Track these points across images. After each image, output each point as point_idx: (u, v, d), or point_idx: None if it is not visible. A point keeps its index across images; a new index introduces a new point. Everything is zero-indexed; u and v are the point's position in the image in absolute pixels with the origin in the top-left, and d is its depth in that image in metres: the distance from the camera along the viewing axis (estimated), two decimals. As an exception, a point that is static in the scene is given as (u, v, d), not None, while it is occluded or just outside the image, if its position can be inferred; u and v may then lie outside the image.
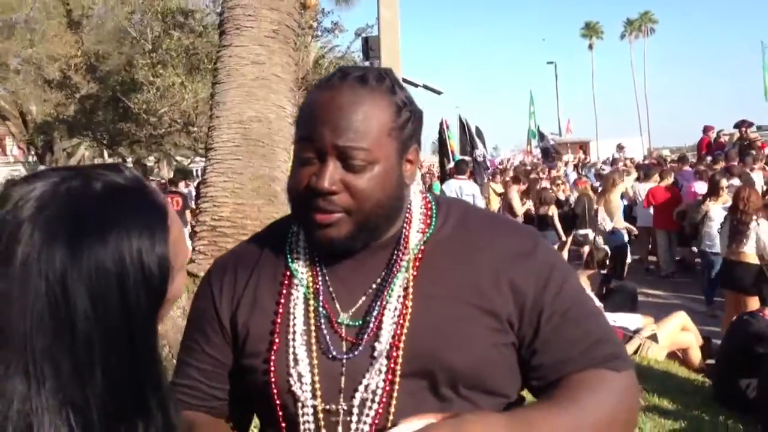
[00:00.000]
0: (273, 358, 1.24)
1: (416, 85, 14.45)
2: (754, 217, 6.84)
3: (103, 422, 0.84)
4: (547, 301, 1.23)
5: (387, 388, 1.19)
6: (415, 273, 1.24)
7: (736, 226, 7.02)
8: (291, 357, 1.22)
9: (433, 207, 1.33)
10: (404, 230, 1.28)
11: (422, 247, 1.27)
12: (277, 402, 1.23)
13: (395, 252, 1.26)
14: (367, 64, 16.27)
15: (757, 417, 4.78)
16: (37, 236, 0.84)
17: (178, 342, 4.62)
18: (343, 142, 1.17)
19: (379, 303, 1.23)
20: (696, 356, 6.28)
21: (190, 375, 1.35)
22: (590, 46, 59.93)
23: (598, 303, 1.12)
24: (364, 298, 1.25)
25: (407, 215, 1.29)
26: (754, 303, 6.40)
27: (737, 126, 15.49)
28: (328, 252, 1.25)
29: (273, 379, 1.23)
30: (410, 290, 1.22)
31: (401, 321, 1.20)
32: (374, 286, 1.26)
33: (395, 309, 1.22)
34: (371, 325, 1.22)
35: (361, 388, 1.19)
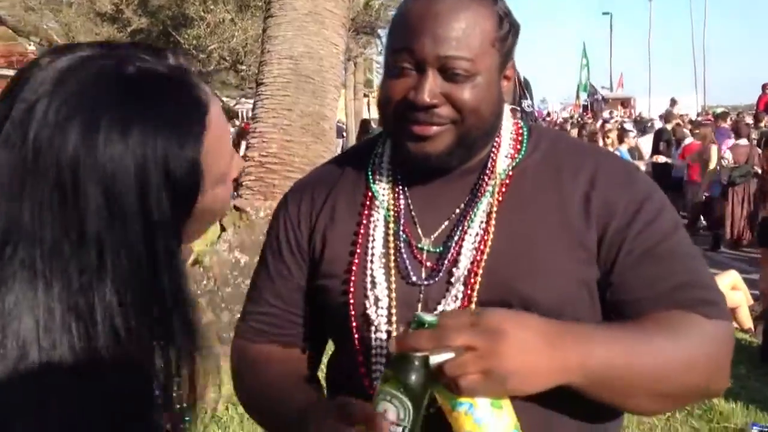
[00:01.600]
0: (352, 278, 1.20)
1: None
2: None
3: (111, 337, 0.75)
4: (630, 235, 1.14)
5: None
6: (500, 199, 1.18)
7: (765, 185, 6.87)
8: (369, 280, 1.19)
9: (524, 132, 1.26)
10: (492, 154, 1.22)
11: (510, 173, 1.21)
12: (353, 324, 1.19)
13: (481, 177, 1.21)
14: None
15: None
16: (51, 114, 0.74)
17: (225, 276, 4.68)
18: (445, 51, 1.10)
19: (460, 228, 1.18)
20: (745, 315, 6.14)
21: (266, 300, 1.32)
22: (649, -3, 57.87)
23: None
24: (446, 223, 1.20)
25: (497, 138, 1.23)
26: None
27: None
28: (421, 168, 1.20)
29: (351, 301, 1.19)
30: (493, 216, 1.17)
31: (482, 247, 1.15)
32: (457, 211, 1.21)
33: (476, 235, 1.17)
34: (451, 250, 1.17)
35: (437, 313, 1.14)
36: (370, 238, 1.21)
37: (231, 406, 4.33)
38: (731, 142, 10.56)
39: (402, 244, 1.20)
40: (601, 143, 12.66)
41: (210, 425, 4.18)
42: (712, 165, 10.05)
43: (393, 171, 1.25)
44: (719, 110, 21.47)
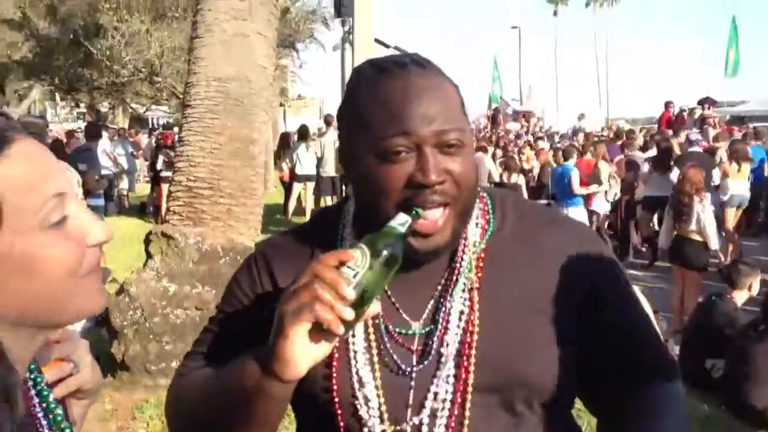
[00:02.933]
0: (334, 375, 1.16)
1: (387, 47, 14.23)
2: (696, 198, 7.04)
3: None
4: (601, 302, 1.22)
5: (458, 399, 1.13)
6: (480, 274, 1.18)
7: (679, 206, 7.24)
8: (355, 379, 1.15)
9: (488, 200, 1.27)
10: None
11: (484, 246, 1.21)
12: (341, 423, 1.16)
13: (454, 252, 1.20)
14: (338, 20, 15.97)
15: (721, 397, 4.91)
16: None
17: (153, 306, 4.53)
18: (440, 126, 1.10)
19: (443, 307, 1.17)
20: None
21: (221, 347, 1.24)
22: (555, 13, 59.86)
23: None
24: (432, 302, 1.19)
25: None
26: (697, 277, 7.01)
27: (701, 103, 15.73)
28: (421, 260, 1.17)
29: (336, 399, 1.16)
30: (475, 293, 1.17)
31: (470, 327, 1.15)
32: (438, 289, 1.19)
33: (461, 313, 1.16)
34: (438, 330, 1.16)
35: (430, 396, 1.14)
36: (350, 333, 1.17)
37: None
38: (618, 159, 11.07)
39: (384, 334, 1.17)
40: (517, 158, 12.96)
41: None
42: (603, 182, 10.42)
43: None
44: (621, 123, 22.40)
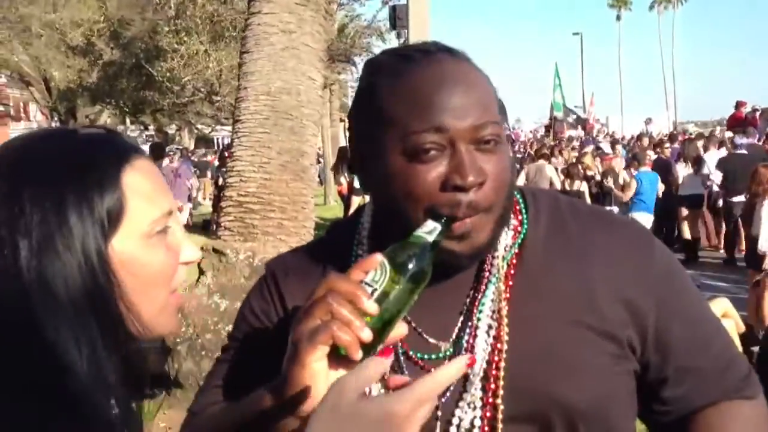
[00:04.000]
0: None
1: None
2: (761, 199, 6.66)
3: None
4: (673, 320, 1.06)
5: (486, 427, 0.99)
6: (511, 283, 1.04)
7: (749, 208, 6.88)
8: None
9: (520, 199, 1.11)
10: None
11: (516, 251, 1.06)
12: None
13: (483, 260, 1.05)
14: (393, 33, 15.98)
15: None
16: None
17: (205, 322, 4.49)
18: (477, 120, 0.96)
19: (469, 323, 1.03)
20: (736, 343, 6.09)
21: (234, 377, 1.15)
22: (618, 17, 58.80)
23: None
24: (462, 318, 1.05)
25: None
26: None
27: (774, 102, 15.01)
28: (460, 266, 1.03)
29: None
30: (504, 306, 1.02)
31: (498, 345, 1.01)
32: (467, 302, 1.05)
33: (489, 329, 1.02)
34: (463, 349, 1.02)
35: (455, 422, 1.00)
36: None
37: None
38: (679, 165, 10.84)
39: (402, 361, 1.04)
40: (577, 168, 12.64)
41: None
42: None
43: None
44: (690, 127, 21.75)
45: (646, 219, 9.45)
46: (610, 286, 1.03)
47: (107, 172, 0.84)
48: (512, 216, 1.07)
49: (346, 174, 14.29)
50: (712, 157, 11.10)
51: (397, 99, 0.98)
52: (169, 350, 4.72)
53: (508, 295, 1.02)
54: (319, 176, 18.60)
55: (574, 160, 13.54)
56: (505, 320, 1.01)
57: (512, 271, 1.04)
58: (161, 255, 0.87)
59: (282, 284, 1.14)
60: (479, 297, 1.03)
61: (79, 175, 0.82)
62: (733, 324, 6.19)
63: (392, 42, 18.65)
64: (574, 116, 29.03)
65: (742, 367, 1.11)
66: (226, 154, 15.91)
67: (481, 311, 1.02)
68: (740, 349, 4.18)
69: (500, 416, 0.99)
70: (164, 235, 0.88)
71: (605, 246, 1.06)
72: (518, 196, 1.11)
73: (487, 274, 1.04)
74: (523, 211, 1.09)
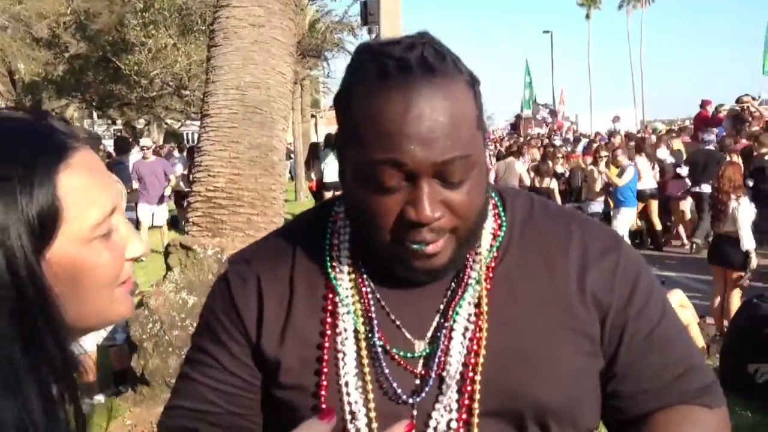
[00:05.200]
0: (323, 407, 1.01)
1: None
2: (733, 196, 6.73)
3: None
4: (630, 318, 1.04)
5: (461, 430, 0.99)
6: (488, 286, 1.03)
7: (716, 204, 6.95)
8: (347, 410, 1.01)
9: (498, 201, 1.10)
10: None
11: (495, 254, 1.05)
12: None
13: (466, 260, 1.04)
14: (365, 29, 15.93)
15: (765, 403, 4.67)
16: None
17: (173, 319, 4.44)
18: (441, 156, 0.91)
19: (445, 325, 1.02)
20: (696, 334, 6.15)
21: (203, 396, 1.09)
22: (587, 16, 59.33)
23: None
24: (437, 317, 1.04)
25: None
26: (738, 276, 6.55)
27: (738, 101, 15.25)
28: (423, 281, 1.02)
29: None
30: (483, 308, 1.01)
31: (474, 347, 1.00)
32: (444, 303, 1.04)
33: (466, 331, 1.01)
34: (438, 352, 1.01)
35: (431, 426, 0.99)
36: (339, 352, 1.03)
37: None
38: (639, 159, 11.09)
39: (381, 356, 1.02)
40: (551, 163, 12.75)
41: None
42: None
43: (356, 265, 1.07)
44: (658, 124, 22.03)
45: (632, 213, 9.67)
46: (582, 285, 1.03)
47: (39, 173, 0.76)
48: (493, 219, 1.07)
49: (316, 170, 14.25)
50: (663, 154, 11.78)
51: (364, 119, 0.94)
52: (135, 347, 4.65)
53: (486, 299, 1.02)
54: (290, 172, 18.51)
55: (539, 158, 13.65)
56: (485, 324, 1.00)
57: (491, 274, 1.04)
58: (104, 257, 0.82)
59: (233, 284, 1.11)
60: (456, 299, 1.03)
61: (4, 174, 0.75)
62: (690, 313, 6.30)
63: (364, 38, 18.61)
64: (546, 110, 29.22)
65: (705, 375, 1.09)
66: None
67: (457, 313, 1.02)
68: (700, 337, 4.26)
69: (476, 418, 0.98)
70: (107, 237, 0.83)
71: (578, 247, 1.06)
72: (496, 198, 1.11)
73: (466, 277, 1.04)
74: (502, 214, 1.09)
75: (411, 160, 0.91)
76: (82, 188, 0.80)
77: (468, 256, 1.04)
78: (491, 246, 1.06)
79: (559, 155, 13.94)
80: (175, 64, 15.65)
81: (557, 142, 17.50)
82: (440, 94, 0.92)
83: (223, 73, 5.14)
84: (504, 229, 1.07)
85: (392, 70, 0.92)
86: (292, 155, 19.45)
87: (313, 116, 25.32)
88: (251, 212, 4.98)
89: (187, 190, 5.77)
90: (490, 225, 1.07)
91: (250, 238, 4.96)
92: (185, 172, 12.34)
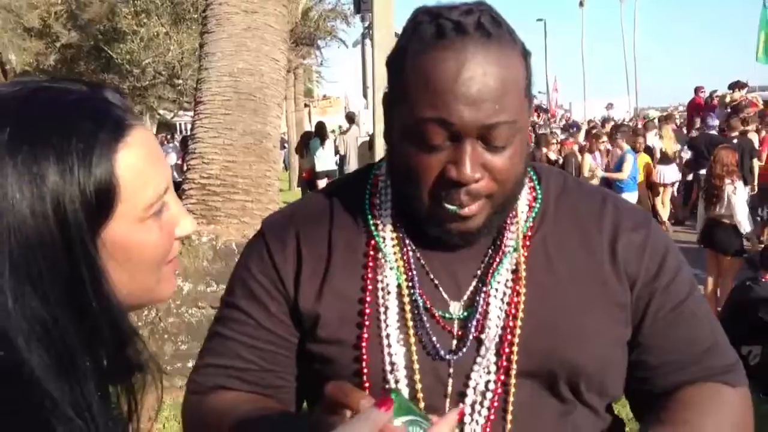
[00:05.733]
0: (364, 356, 1.03)
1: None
2: (728, 181, 6.75)
3: (39, 345, 0.73)
4: (659, 290, 1.07)
5: (499, 390, 1.02)
6: (526, 254, 1.06)
7: (711, 189, 6.97)
8: (387, 360, 1.03)
9: (534, 176, 1.14)
10: None
11: (531, 224, 1.09)
12: None
13: (503, 228, 1.07)
14: (358, 17, 15.90)
15: (758, 384, 4.70)
16: None
17: (167, 306, 4.42)
18: (486, 119, 0.94)
19: (484, 289, 1.05)
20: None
21: (238, 354, 1.10)
22: (581, 3, 59.26)
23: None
24: (474, 282, 1.06)
25: None
26: (730, 262, 6.64)
27: (731, 87, 15.28)
28: (456, 244, 1.05)
29: (366, 384, 1.03)
30: (522, 273, 1.04)
31: (513, 311, 1.03)
32: (481, 268, 1.07)
33: (504, 295, 1.04)
34: (477, 315, 1.04)
35: (470, 390, 1.02)
36: (381, 308, 1.04)
37: (178, 444, 4.12)
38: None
39: (422, 313, 1.05)
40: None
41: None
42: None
43: (397, 224, 1.09)
44: (652, 112, 22.07)
45: (633, 199, 9.68)
46: (614, 257, 1.07)
47: (99, 150, 0.76)
48: (529, 192, 1.11)
49: (308, 158, 14.25)
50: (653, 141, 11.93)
51: (416, 77, 0.96)
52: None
53: (524, 265, 1.05)
54: (284, 161, 18.48)
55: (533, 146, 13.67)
56: (523, 289, 1.03)
57: (527, 243, 1.07)
58: (155, 236, 0.82)
59: (271, 241, 1.12)
60: (494, 265, 1.06)
61: (65, 147, 0.74)
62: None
63: (357, 26, 18.54)
64: (536, 100, 29.24)
65: (729, 355, 1.12)
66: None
67: (495, 278, 1.05)
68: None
69: (513, 379, 1.01)
70: (159, 215, 0.83)
71: (610, 221, 1.09)
72: (531, 172, 1.14)
73: (503, 244, 1.07)
74: (537, 187, 1.12)
75: (458, 120, 0.94)
76: (138, 167, 0.79)
77: (505, 224, 1.07)
78: (528, 216, 1.09)
79: (554, 141, 13.93)
80: (167, 53, 15.59)
81: (556, 130, 17.48)
82: (493, 59, 0.94)
83: (216, 60, 5.13)
84: (539, 200, 1.10)
85: (449, 32, 0.95)
86: (286, 144, 19.43)
87: (306, 105, 25.25)
88: (246, 199, 4.98)
89: (179, 180, 5.75)
90: (525, 196, 1.10)
91: (245, 225, 4.97)
92: (179, 162, 12.30)
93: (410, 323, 1.04)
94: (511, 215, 1.07)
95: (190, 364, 4.29)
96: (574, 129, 17.52)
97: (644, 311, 1.07)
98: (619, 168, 10.19)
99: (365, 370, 1.03)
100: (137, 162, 0.79)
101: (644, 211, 1.23)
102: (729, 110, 13.61)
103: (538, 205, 1.10)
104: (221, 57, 5.11)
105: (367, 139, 13.59)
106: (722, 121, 12.12)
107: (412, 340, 1.03)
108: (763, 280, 5.38)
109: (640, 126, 14.75)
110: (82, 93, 0.81)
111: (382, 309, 1.04)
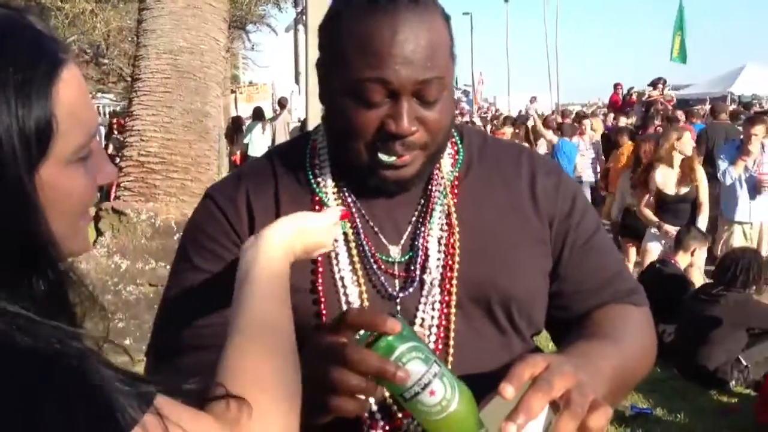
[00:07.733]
0: (322, 299, 1.12)
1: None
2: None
3: None
4: (572, 226, 1.21)
5: (443, 321, 1.12)
6: (455, 200, 1.18)
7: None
8: (343, 300, 1.12)
9: (455, 132, 1.26)
10: None
11: (457, 174, 1.20)
12: None
13: (430, 180, 1.19)
14: (290, 1, 15.79)
15: (673, 360, 5.01)
16: None
17: (104, 283, 4.37)
18: (420, 75, 1.04)
19: (422, 233, 1.16)
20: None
21: (205, 313, 1.13)
22: (506, -1, 60.21)
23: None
24: (409, 228, 1.18)
25: None
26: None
27: (652, 84, 15.61)
28: (392, 191, 1.15)
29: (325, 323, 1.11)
30: (453, 216, 1.16)
31: (450, 250, 1.14)
32: (415, 215, 1.18)
33: (440, 237, 1.15)
34: (419, 256, 1.15)
35: (417, 323, 1.12)
36: (332, 253, 1.14)
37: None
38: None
39: (369, 258, 1.15)
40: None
41: None
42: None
43: (337, 180, 1.19)
44: (572, 107, 22.68)
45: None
46: (533, 198, 1.21)
47: (38, 83, 0.71)
48: (450, 146, 1.22)
49: (239, 143, 14.13)
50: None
51: (353, 42, 1.05)
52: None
53: (455, 208, 1.17)
54: (211, 146, 18.14)
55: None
56: (456, 228, 1.15)
57: (455, 190, 1.19)
58: (81, 181, 0.78)
59: (221, 203, 1.18)
60: (428, 212, 1.17)
61: (2, 77, 0.70)
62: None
63: (289, 12, 18.39)
64: (460, 91, 29.68)
65: (631, 280, 1.28)
66: (114, 121, 15.19)
67: (431, 224, 1.16)
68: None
69: (453, 308, 1.13)
70: (85, 160, 0.78)
71: (527, 168, 1.23)
72: (453, 131, 1.25)
73: (432, 192, 1.18)
74: (458, 141, 1.25)
75: (396, 78, 1.03)
76: (73, 106, 0.75)
77: (433, 174, 1.18)
78: (453, 167, 1.21)
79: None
80: (93, 31, 15.11)
81: (476, 120, 17.86)
82: (422, 22, 1.05)
83: (155, 38, 5.09)
84: (461, 153, 1.22)
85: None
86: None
87: (233, 92, 24.86)
88: (185, 177, 4.98)
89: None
90: (447, 150, 1.21)
91: (184, 203, 4.97)
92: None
93: (358, 266, 1.13)
94: (437, 169, 1.18)
95: (128, 342, 4.29)
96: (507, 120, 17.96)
97: (562, 245, 1.20)
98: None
99: (324, 311, 1.11)
100: (72, 101, 0.75)
101: (555, 162, 1.42)
102: (644, 109, 14.07)
103: (460, 157, 1.22)
104: (161, 34, 5.08)
105: (299, 124, 13.58)
106: (638, 119, 12.54)
107: (362, 281, 1.13)
108: (672, 260, 5.70)
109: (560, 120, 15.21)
110: (8, 17, 0.75)
111: (332, 254, 1.13)
